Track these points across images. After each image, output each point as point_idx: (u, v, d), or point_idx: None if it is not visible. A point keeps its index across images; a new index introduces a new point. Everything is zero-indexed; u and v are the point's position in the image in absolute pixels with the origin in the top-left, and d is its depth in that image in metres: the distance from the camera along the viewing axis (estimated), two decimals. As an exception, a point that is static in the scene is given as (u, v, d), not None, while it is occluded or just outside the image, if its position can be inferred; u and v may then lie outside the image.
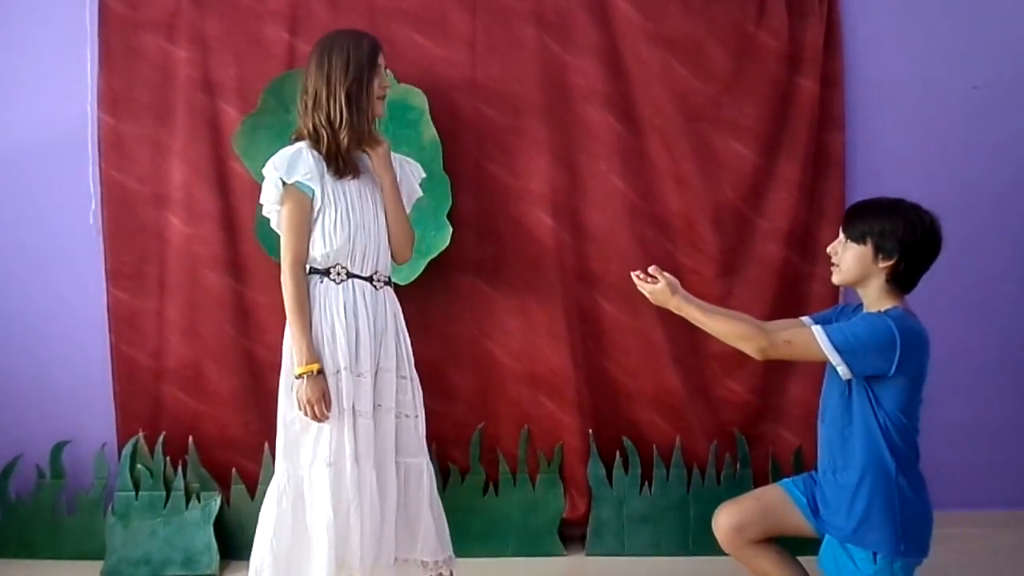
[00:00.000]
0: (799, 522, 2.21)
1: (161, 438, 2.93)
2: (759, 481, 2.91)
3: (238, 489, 2.93)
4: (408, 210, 2.44)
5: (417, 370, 2.42)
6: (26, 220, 3.04)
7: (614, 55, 2.99)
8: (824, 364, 2.11)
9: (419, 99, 2.86)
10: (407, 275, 2.80)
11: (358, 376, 2.24)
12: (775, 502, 2.24)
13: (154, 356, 3.00)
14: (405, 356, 2.37)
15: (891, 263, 2.05)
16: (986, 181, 3.10)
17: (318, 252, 2.25)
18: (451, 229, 2.87)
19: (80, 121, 2.98)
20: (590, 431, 3.01)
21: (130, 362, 2.99)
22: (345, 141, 2.24)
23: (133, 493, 2.89)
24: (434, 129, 2.86)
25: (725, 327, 2.17)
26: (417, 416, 2.37)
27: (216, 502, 2.90)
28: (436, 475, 2.47)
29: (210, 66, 2.94)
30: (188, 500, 2.90)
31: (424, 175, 2.56)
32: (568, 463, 3.04)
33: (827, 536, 2.16)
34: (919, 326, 2.05)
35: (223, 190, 2.96)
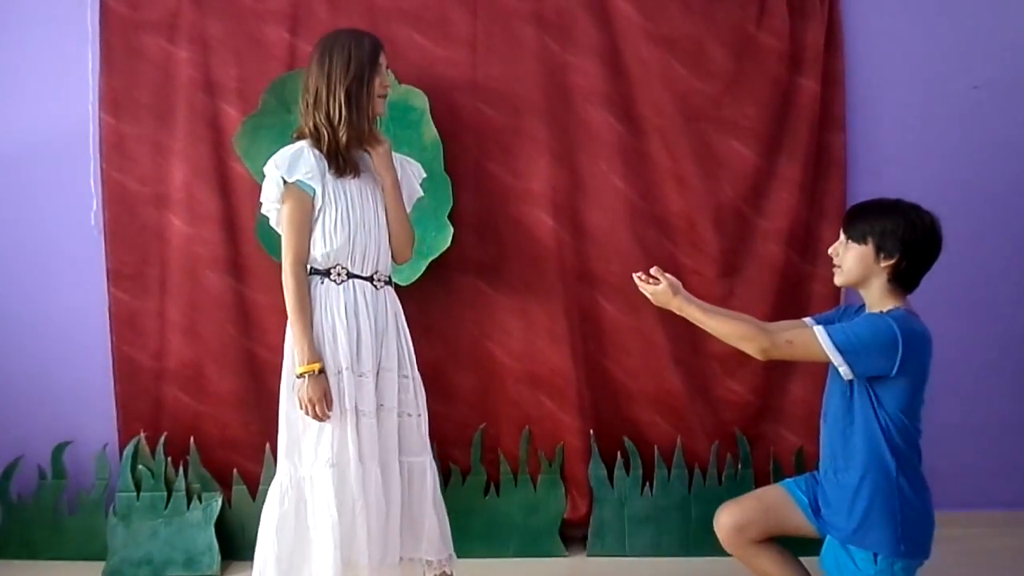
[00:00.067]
0: (800, 522, 2.21)
1: (162, 439, 2.93)
2: (760, 481, 2.91)
3: (239, 490, 2.94)
4: (408, 210, 2.44)
5: (418, 370, 2.43)
6: (27, 220, 3.04)
7: (615, 55, 2.99)
8: (826, 365, 2.11)
9: (420, 100, 2.86)
10: (408, 275, 2.81)
11: (360, 376, 2.24)
12: (776, 502, 2.25)
13: (155, 356, 3.00)
14: (407, 355, 2.37)
15: (893, 262, 2.05)
16: (987, 181, 3.10)
17: (318, 252, 2.25)
18: (452, 230, 2.87)
19: (81, 121, 2.98)
20: (591, 431, 3.01)
21: (131, 362, 3.00)
22: (344, 139, 2.24)
23: (134, 494, 2.90)
24: (435, 129, 2.86)
25: (727, 328, 2.17)
26: (420, 415, 2.37)
27: (217, 503, 2.90)
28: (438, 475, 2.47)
29: (211, 66, 2.95)
30: (189, 501, 2.90)
31: (425, 175, 2.56)
32: (569, 463, 3.04)
33: (828, 536, 2.16)
34: (921, 326, 2.05)
35: (224, 190, 2.96)
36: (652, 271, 2.28)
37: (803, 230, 3.02)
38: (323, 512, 2.19)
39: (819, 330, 2.06)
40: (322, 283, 2.26)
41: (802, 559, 2.26)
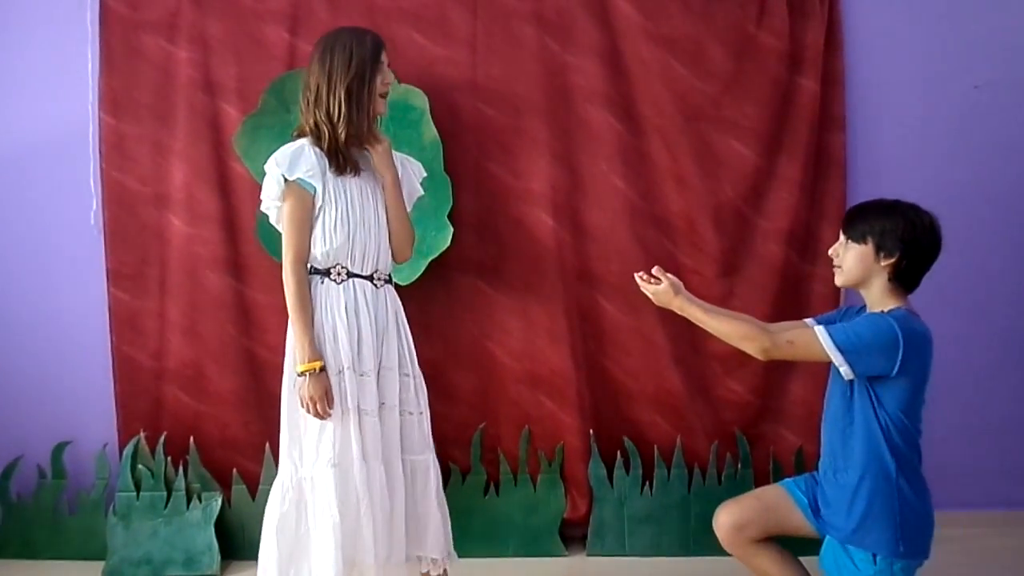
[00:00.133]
0: (800, 522, 2.21)
1: (162, 438, 2.93)
2: (760, 481, 2.91)
3: (239, 489, 2.94)
4: (409, 209, 2.43)
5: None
6: (27, 220, 3.04)
7: (615, 55, 2.99)
8: (827, 365, 2.11)
9: (420, 99, 2.86)
10: (408, 275, 2.81)
11: (361, 375, 2.23)
12: (776, 501, 2.25)
13: (155, 356, 3.00)
14: (407, 354, 2.37)
15: (893, 261, 2.06)
16: (987, 181, 3.10)
17: (318, 250, 2.25)
18: (452, 229, 2.87)
19: (81, 121, 2.98)
20: (591, 431, 3.01)
21: (131, 362, 3.00)
22: (344, 137, 2.23)
23: (134, 493, 2.90)
24: (435, 129, 2.86)
25: (728, 327, 2.17)
26: (422, 413, 2.36)
27: (217, 502, 2.90)
28: (437, 474, 2.47)
29: (211, 66, 2.95)
30: (189, 500, 2.90)
31: (425, 174, 2.55)
32: (569, 463, 3.04)
33: (828, 536, 2.16)
34: (922, 326, 2.05)
35: (224, 190, 2.96)
36: (654, 271, 2.28)
37: (803, 230, 3.02)
38: (324, 512, 2.18)
39: (820, 330, 2.06)
40: (322, 283, 2.26)
41: (802, 559, 2.26)
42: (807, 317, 2.37)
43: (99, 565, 2.87)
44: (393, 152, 2.39)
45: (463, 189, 2.94)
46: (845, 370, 2.04)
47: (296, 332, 2.21)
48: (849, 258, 2.12)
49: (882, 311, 2.07)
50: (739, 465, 3.00)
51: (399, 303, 2.39)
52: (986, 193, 3.09)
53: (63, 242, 3.03)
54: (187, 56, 2.93)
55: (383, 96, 2.32)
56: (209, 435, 2.98)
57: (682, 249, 3.03)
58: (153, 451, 2.92)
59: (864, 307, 2.18)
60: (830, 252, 2.19)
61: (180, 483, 2.90)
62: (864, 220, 2.10)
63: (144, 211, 2.97)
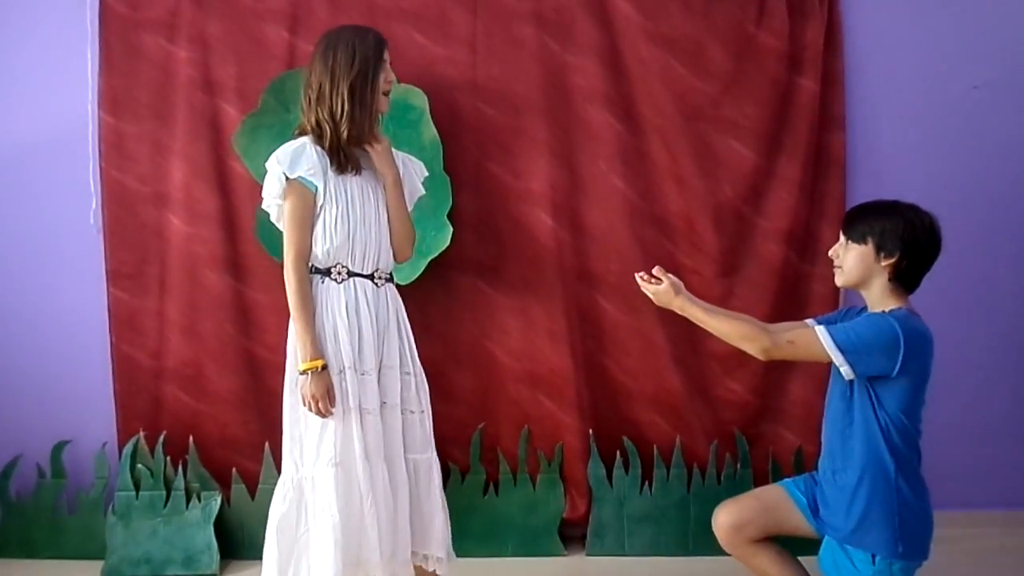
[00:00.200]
0: (799, 522, 2.21)
1: (161, 438, 2.93)
2: (759, 481, 2.91)
3: (238, 489, 2.93)
4: (410, 208, 2.43)
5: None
6: (26, 219, 3.04)
7: (614, 55, 2.99)
8: (827, 365, 2.11)
9: (419, 99, 2.86)
10: (407, 275, 2.80)
11: (362, 375, 2.23)
12: (775, 501, 2.25)
13: (154, 356, 3.00)
14: (408, 352, 2.36)
15: (893, 261, 2.06)
16: (986, 181, 3.10)
17: (319, 249, 2.24)
18: (451, 229, 2.87)
19: (80, 120, 2.98)
20: (590, 431, 3.01)
21: (130, 362, 3.00)
22: (345, 135, 2.23)
23: (133, 493, 2.90)
24: (434, 129, 2.86)
25: (728, 327, 2.18)
26: (423, 411, 2.36)
27: (216, 502, 2.90)
28: (436, 474, 2.47)
29: (210, 66, 2.95)
30: (188, 500, 2.90)
31: (427, 173, 2.55)
32: (568, 463, 3.04)
33: (826, 537, 2.16)
34: (923, 327, 2.05)
35: (223, 190, 2.96)
36: (654, 271, 2.29)
37: (802, 230, 3.02)
38: (323, 512, 2.18)
39: (820, 330, 2.06)
40: (323, 282, 2.25)
41: (802, 559, 2.26)
42: (807, 317, 2.37)
43: (98, 564, 2.87)
44: (395, 151, 2.39)
45: (463, 189, 2.94)
46: (846, 370, 2.04)
47: (298, 330, 2.21)
48: (849, 259, 2.12)
49: (883, 311, 2.07)
50: (738, 465, 3.00)
51: (400, 302, 2.39)
52: (986, 193, 3.10)
53: (62, 241, 3.03)
54: (187, 55, 2.93)
55: (386, 94, 2.32)
56: (208, 434, 2.98)
57: (681, 249, 3.03)
58: (152, 450, 2.92)
59: (864, 308, 2.18)
60: (830, 253, 2.19)
61: (179, 482, 2.90)
62: (864, 221, 2.11)
63: (143, 210, 2.97)
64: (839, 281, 2.17)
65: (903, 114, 3.07)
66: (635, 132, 3.01)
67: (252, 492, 2.93)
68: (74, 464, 3.01)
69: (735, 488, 2.83)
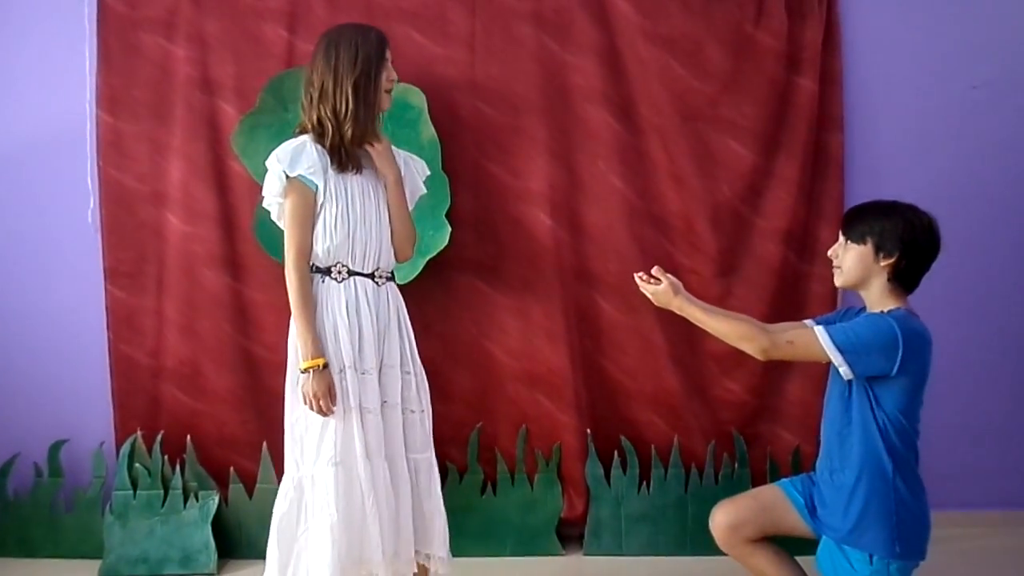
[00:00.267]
0: (796, 522, 2.21)
1: (159, 437, 2.93)
2: (757, 481, 2.91)
3: (236, 488, 2.93)
4: (411, 207, 2.43)
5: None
6: (25, 218, 3.04)
7: (613, 55, 2.99)
8: (825, 365, 2.11)
9: (418, 98, 2.85)
10: (406, 274, 2.80)
11: (363, 374, 2.23)
12: (772, 501, 2.24)
13: (152, 355, 3.00)
14: (409, 351, 2.36)
15: (892, 261, 2.06)
16: (985, 181, 3.10)
17: (320, 248, 2.24)
18: (450, 228, 2.87)
19: (79, 119, 2.98)
20: (588, 431, 3.01)
21: (128, 361, 3.00)
22: (349, 134, 2.22)
23: (131, 492, 2.89)
24: (433, 128, 2.86)
25: (727, 327, 2.17)
26: (423, 411, 2.36)
27: (214, 501, 2.89)
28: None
29: (209, 65, 2.94)
30: (186, 499, 2.90)
31: (429, 172, 2.54)
32: (566, 463, 3.04)
33: (824, 537, 2.16)
34: (921, 327, 2.05)
35: (221, 189, 2.96)
36: (653, 271, 2.28)
37: (801, 230, 3.02)
38: (322, 511, 2.18)
39: (819, 330, 2.06)
40: (323, 282, 2.25)
41: (799, 559, 2.26)
42: (805, 317, 2.38)
43: (96, 563, 2.87)
44: (396, 150, 2.38)
45: (461, 188, 2.94)
46: (845, 370, 2.04)
47: (299, 329, 2.20)
48: (848, 259, 2.12)
49: (882, 311, 2.07)
50: (736, 465, 3.00)
51: (401, 300, 2.38)
52: (984, 193, 3.10)
53: (61, 240, 3.03)
54: (185, 54, 2.93)
55: (388, 92, 2.31)
56: (206, 433, 2.98)
57: (680, 249, 3.03)
58: (150, 449, 2.92)
59: (863, 308, 2.18)
60: (829, 253, 2.19)
61: (177, 481, 2.90)
62: (863, 221, 2.11)
63: (142, 209, 2.97)
64: (838, 281, 2.17)
65: (901, 114, 3.08)
66: (634, 132, 3.01)
67: (250, 491, 2.92)
68: (72, 463, 3.00)
69: (733, 488, 2.83)
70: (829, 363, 2.07)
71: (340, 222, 2.23)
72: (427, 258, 2.85)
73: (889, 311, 2.06)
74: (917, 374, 2.05)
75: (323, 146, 2.24)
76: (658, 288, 2.26)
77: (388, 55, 2.30)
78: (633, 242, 3.00)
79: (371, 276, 2.29)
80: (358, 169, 2.28)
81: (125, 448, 2.91)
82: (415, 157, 2.53)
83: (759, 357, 2.13)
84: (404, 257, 2.44)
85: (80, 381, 3.05)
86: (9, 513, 2.97)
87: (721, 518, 2.24)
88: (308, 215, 2.23)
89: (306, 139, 2.24)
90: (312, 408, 2.17)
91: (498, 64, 2.97)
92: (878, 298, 2.10)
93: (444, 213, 2.87)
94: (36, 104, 3.01)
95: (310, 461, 2.21)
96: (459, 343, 3.02)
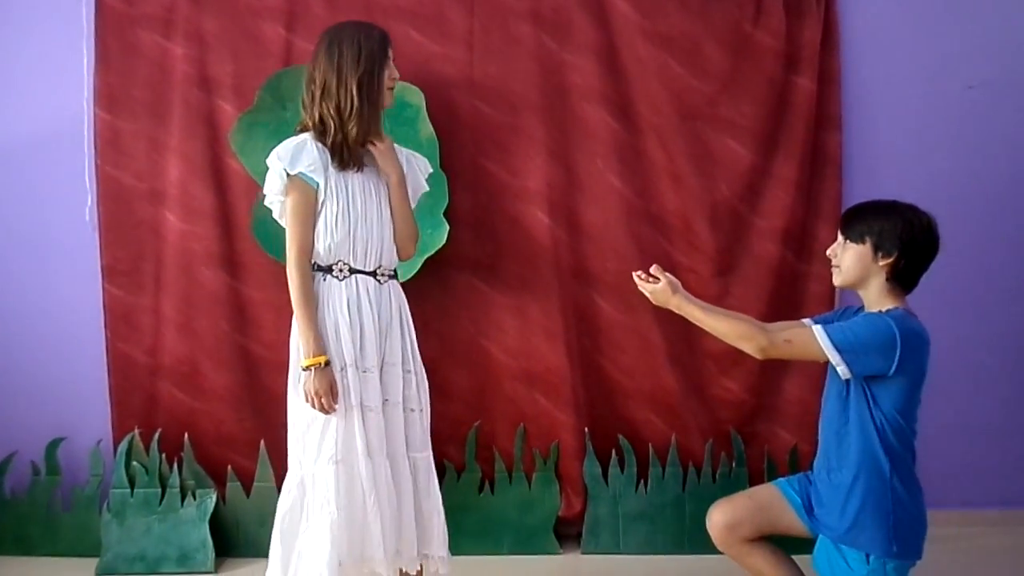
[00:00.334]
0: (792, 521, 2.21)
1: (157, 435, 2.93)
2: (754, 480, 2.91)
3: (234, 486, 2.93)
4: (413, 205, 2.42)
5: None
6: (22, 216, 3.03)
7: (611, 54, 2.99)
8: (823, 364, 2.11)
9: (416, 96, 2.85)
10: (404, 273, 2.78)
11: (364, 372, 2.23)
12: (769, 501, 2.24)
13: (150, 353, 3.00)
14: (410, 350, 2.36)
15: (891, 260, 2.06)
16: (983, 180, 3.10)
17: (321, 245, 2.23)
18: (448, 227, 2.86)
19: (77, 117, 2.97)
20: (586, 429, 3.01)
21: (126, 358, 2.99)
22: (353, 132, 2.22)
23: (128, 490, 2.89)
24: (431, 127, 2.86)
25: (725, 326, 2.17)
26: (423, 410, 2.36)
27: (212, 499, 2.89)
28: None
29: (207, 63, 2.94)
30: (184, 497, 2.89)
31: (431, 170, 2.54)
32: (564, 461, 3.04)
33: (821, 536, 2.16)
34: (919, 326, 2.05)
35: (219, 187, 2.95)
36: (652, 270, 2.28)
37: (799, 229, 3.02)
38: (322, 509, 2.18)
39: (818, 329, 2.06)
40: (324, 280, 2.25)
41: (796, 558, 2.26)
42: (803, 316, 2.38)
43: (93, 562, 2.86)
44: (399, 148, 2.38)
45: (459, 186, 2.94)
46: (842, 369, 2.04)
47: (300, 327, 2.20)
48: (847, 258, 2.12)
49: (880, 311, 2.07)
50: (733, 464, 3.00)
51: (404, 299, 2.38)
52: (983, 192, 3.10)
53: (58, 238, 3.02)
54: (183, 52, 2.93)
55: (390, 90, 2.31)
56: (204, 432, 2.98)
57: (678, 248, 3.03)
58: (148, 448, 2.92)
59: (862, 307, 2.18)
60: (828, 253, 2.19)
61: (175, 480, 2.89)
62: (862, 220, 2.11)
63: (139, 207, 2.97)
64: (837, 281, 2.17)
65: (900, 113, 3.08)
66: (632, 131, 3.01)
67: (247, 490, 2.92)
68: (69, 461, 3.00)
69: (730, 487, 2.83)
70: (827, 362, 2.07)
71: (341, 220, 2.23)
72: (425, 257, 2.84)
73: (887, 311, 2.06)
74: (915, 374, 2.05)
75: (324, 144, 2.23)
76: (656, 287, 2.26)
77: (390, 53, 2.30)
78: (631, 241, 3.00)
79: (373, 274, 2.29)
80: (359, 167, 2.27)
81: (123, 446, 2.91)
82: (417, 155, 2.52)
83: (757, 356, 2.13)
84: (407, 255, 2.43)
85: (78, 379, 3.04)
86: (6, 511, 2.97)
87: (718, 517, 2.24)
88: (309, 213, 2.23)
89: (307, 137, 2.24)
90: (314, 406, 2.17)
91: (496, 63, 2.97)
92: (876, 298, 2.10)
93: (442, 212, 2.87)
94: (34, 102, 3.00)
95: (311, 459, 2.21)
96: (457, 342, 3.01)
